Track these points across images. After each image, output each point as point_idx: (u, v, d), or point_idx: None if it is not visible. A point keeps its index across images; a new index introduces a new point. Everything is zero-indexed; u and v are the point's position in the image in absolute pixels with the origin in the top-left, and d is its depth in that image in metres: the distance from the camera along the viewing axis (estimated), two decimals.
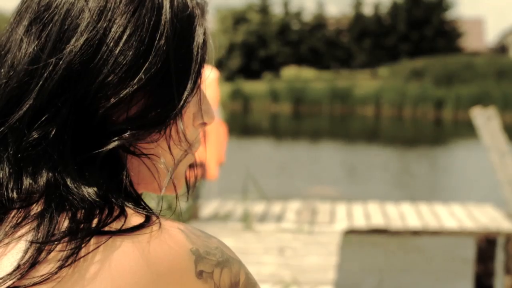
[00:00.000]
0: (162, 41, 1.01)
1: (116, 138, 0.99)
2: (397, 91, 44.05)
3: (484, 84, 42.57)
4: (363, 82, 47.72)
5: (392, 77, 47.31)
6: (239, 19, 60.70)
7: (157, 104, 1.01)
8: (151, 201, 1.09)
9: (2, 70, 1.02)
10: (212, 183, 8.84)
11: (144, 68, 1.00)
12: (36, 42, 1.00)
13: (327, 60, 58.05)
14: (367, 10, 62.30)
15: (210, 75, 1.10)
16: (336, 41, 58.75)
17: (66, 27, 1.00)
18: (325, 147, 23.56)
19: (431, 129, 36.27)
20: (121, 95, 0.99)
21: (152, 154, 1.03)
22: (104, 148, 0.98)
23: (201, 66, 1.06)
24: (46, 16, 1.01)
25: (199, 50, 1.06)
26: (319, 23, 60.98)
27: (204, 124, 1.10)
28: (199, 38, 1.05)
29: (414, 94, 43.31)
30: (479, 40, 63.74)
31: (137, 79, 0.99)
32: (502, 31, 65.33)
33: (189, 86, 1.04)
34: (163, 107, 1.01)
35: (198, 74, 1.06)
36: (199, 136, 1.11)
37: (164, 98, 1.01)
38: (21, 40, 1.01)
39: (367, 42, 58.10)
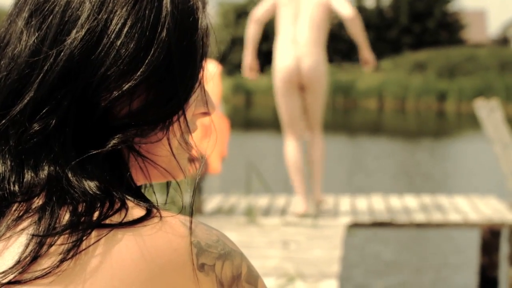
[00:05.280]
0: (164, 33, 1.00)
1: (119, 135, 0.99)
2: (399, 83, 44.02)
3: (487, 76, 42.53)
4: (366, 75, 47.70)
5: (394, 70, 47.27)
6: (241, 13, 60.63)
7: (160, 99, 1.01)
8: (153, 195, 1.09)
9: (2, 62, 1.02)
10: (215, 177, 8.85)
11: (146, 61, 0.99)
12: (37, 34, 1.00)
13: (330, 53, 57.78)
14: (369, 3, 62.25)
15: (212, 69, 1.10)
16: (338, 34, 58.68)
17: (66, 18, 0.99)
18: (328, 140, 23.58)
19: (434, 121, 36.26)
20: (124, 88, 0.98)
21: (156, 156, 1.03)
22: (107, 145, 0.98)
23: (203, 58, 1.06)
24: (47, 7, 1.00)
25: (201, 42, 1.05)
26: None
27: (205, 114, 1.10)
28: (201, 31, 1.05)
29: (416, 87, 43.29)
30: (481, 32, 63.66)
31: (139, 72, 0.99)
32: (505, 23, 65.31)
33: (192, 79, 1.04)
34: (167, 102, 1.01)
35: (201, 66, 1.06)
36: (196, 126, 1.10)
37: (167, 92, 1.01)
38: (21, 32, 1.01)
39: (369, 35, 57.96)
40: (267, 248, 6.05)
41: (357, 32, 7.37)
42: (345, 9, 7.21)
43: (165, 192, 1.11)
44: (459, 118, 37.23)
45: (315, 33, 7.18)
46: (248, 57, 7.68)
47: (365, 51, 7.48)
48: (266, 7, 7.44)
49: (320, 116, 7.52)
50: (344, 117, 38.14)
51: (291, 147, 7.43)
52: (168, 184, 1.11)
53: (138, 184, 1.05)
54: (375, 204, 8.24)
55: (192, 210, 1.00)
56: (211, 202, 8.25)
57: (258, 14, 7.51)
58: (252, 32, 7.60)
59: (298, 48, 7.20)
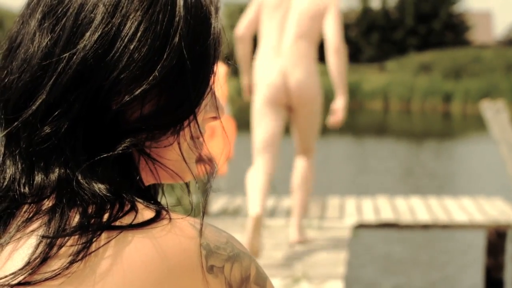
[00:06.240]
0: (177, 38, 1.00)
1: (130, 138, 0.99)
2: (405, 85, 43.97)
3: (493, 77, 42.46)
4: (371, 76, 47.65)
5: (400, 71, 47.22)
6: None
7: (172, 104, 1.01)
8: (162, 197, 1.09)
9: (14, 64, 1.01)
10: (221, 179, 8.85)
11: (159, 66, 0.99)
12: (50, 36, 1.00)
13: None
14: (375, 4, 62.22)
15: (220, 70, 1.09)
16: (344, 35, 58.62)
17: (80, 21, 0.99)
18: (333, 141, 23.55)
19: (440, 123, 36.21)
20: (136, 92, 0.98)
21: (165, 159, 1.03)
22: (118, 148, 0.98)
23: (214, 63, 1.06)
24: (60, 9, 1.00)
25: (214, 47, 1.05)
26: None
27: (214, 118, 1.10)
28: (213, 36, 1.05)
29: (422, 88, 43.23)
30: (487, 33, 63.57)
31: (152, 76, 0.99)
32: (511, 24, 65.21)
33: (204, 84, 1.04)
34: (178, 107, 1.01)
35: (212, 71, 1.06)
36: (205, 130, 1.10)
37: (179, 97, 1.01)
38: (34, 33, 1.01)
39: (375, 36, 58.01)
40: (273, 250, 6.05)
41: (337, 68, 6.08)
42: (332, 36, 6.06)
43: (172, 193, 1.11)
44: (465, 119, 37.18)
45: (303, 44, 5.99)
46: (245, 78, 6.46)
47: (340, 97, 6.16)
48: (249, 19, 6.21)
49: (314, 141, 6.29)
50: (350, 118, 38.04)
51: (257, 173, 6.02)
52: (188, 187, 1.11)
53: (147, 184, 1.05)
54: (381, 205, 8.24)
55: (203, 213, 1.01)
56: (217, 203, 8.26)
57: (241, 31, 6.24)
58: (241, 52, 6.32)
59: (283, 61, 5.98)
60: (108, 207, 0.96)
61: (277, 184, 8.58)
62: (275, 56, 6.00)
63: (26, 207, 0.98)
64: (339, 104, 6.11)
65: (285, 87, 5.96)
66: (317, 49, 6.12)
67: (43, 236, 0.94)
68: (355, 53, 57.76)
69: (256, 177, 5.94)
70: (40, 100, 0.98)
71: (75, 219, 0.95)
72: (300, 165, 6.30)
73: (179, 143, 1.03)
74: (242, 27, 6.25)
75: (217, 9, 1.07)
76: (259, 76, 6.09)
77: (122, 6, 1.00)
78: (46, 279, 0.92)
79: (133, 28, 0.99)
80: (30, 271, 0.93)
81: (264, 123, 6.09)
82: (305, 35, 6.01)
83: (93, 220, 0.95)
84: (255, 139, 6.16)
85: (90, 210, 0.95)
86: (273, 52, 6.01)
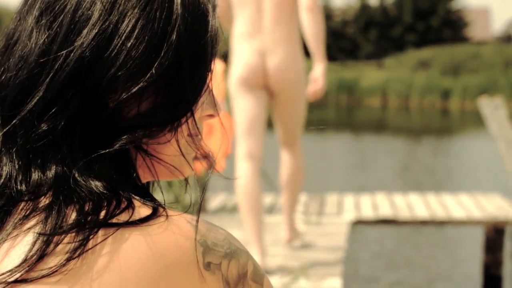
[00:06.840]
0: (174, 36, 1.00)
1: (127, 135, 0.99)
2: (403, 81, 44.00)
3: (491, 73, 42.50)
4: (370, 73, 47.67)
5: (398, 68, 47.26)
6: None
7: (169, 101, 1.01)
8: (158, 194, 1.09)
9: (11, 61, 1.01)
10: (219, 175, 8.84)
11: (156, 63, 0.99)
12: (47, 33, 1.00)
13: (333, 51, 57.97)
14: (373, 1, 62.32)
15: (217, 67, 1.10)
16: (342, 32, 58.64)
17: (77, 18, 0.99)
18: (332, 138, 23.56)
19: (438, 119, 36.23)
20: (133, 90, 0.98)
21: (163, 155, 1.03)
22: (115, 145, 0.98)
23: (211, 60, 1.06)
24: (57, 6, 1.00)
25: (211, 44, 1.05)
26: (325, 14, 60.66)
27: (211, 116, 1.10)
28: (210, 33, 1.05)
29: (420, 85, 43.27)
30: (485, 29, 63.60)
31: (149, 74, 0.99)
32: (509, 20, 65.24)
33: (202, 81, 1.04)
34: (176, 104, 1.01)
35: (209, 69, 1.06)
36: (202, 127, 1.11)
37: (176, 95, 1.01)
38: (32, 30, 1.01)
39: (373, 33, 58.02)
40: (271, 246, 6.05)
41: (313, 29, 5.30)
42: None
43: (170, 191, 1.11)
44: (463, 115, 37.21)
45: (284, 22, 5.24)
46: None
47: (318, 63, 5.38)
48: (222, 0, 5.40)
49: (299, 130, 5.60)
50: (348, 115, 38.12)
51: (244, 171, 5.34)
52: (187, 183, 1.11)
53: (144, 181, 1.05)
54: (379, 202, 8.24)
55: (200, 209, 1.01)
56: (215, 200, 8.25)
57: (221, 16, 5.10)
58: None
59: (262, 41, 5.23)
60: (105, 204, 0.96)
61: (276, 181, 8.58)
62: (254, 33, 5.26)
63: (22, 204, 0.98)
64: (318, 71, 5.33)
65: (262, 69, 5.25)
66: (298, 27, 5.39)
67: (40, 234, 0.94)
68: (354, 50, 57.75)
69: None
70: (37, 97, 0.98)
71: (72, 216, 0.95)
72: (286, 160, 5.74)
73: (177, 140, 1.03)
74: (219, 10, 5.40)
75: (214, 7, 1.07)
76: (236, 55, 5.37)
77: (119, 4, 1.00)
78: (43, 276, 0.92)
79: (130, 26, 0.99)
80: (27, 268, 0.93)
81: (242, 106, 5.34)
82: (286, 11, 5.25)
83: (90, 217, 0.95)
84: (237, 125, 5.44)
85: (86, 207, 0.95)
86: (251, 31, 5.27)
